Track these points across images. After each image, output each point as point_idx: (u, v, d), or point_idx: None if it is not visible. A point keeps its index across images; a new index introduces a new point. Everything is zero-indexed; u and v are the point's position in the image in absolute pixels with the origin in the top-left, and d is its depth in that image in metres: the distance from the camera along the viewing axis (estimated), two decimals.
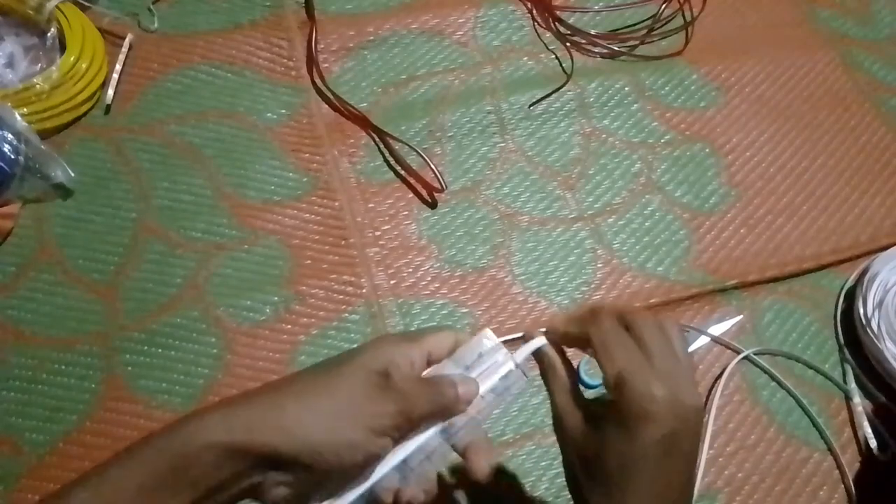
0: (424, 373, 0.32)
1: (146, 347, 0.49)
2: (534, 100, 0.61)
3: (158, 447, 0.27)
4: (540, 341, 0.34)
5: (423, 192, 0.56)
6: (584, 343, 0.32)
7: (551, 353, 0.34)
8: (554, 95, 0.61)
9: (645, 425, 0.28)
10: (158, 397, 0.47)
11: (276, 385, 0.29)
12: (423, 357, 0.31)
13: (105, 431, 0.46)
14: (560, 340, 0.34)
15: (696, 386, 0.30)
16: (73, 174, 0.52)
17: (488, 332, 0.33)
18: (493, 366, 0.32)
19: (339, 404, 0.28)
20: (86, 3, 0.58)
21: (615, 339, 0.31)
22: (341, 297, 0.52)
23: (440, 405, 0.30)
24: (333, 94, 0.58)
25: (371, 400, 0.28)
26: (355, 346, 0.50)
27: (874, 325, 0.52)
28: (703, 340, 0.53)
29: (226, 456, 0.26)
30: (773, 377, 0.52)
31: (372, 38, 0.61)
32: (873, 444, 0.50)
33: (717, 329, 0.53)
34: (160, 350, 0.49)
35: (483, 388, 0.32)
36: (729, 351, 0.53)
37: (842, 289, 0.56)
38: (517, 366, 0.33)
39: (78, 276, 0.51)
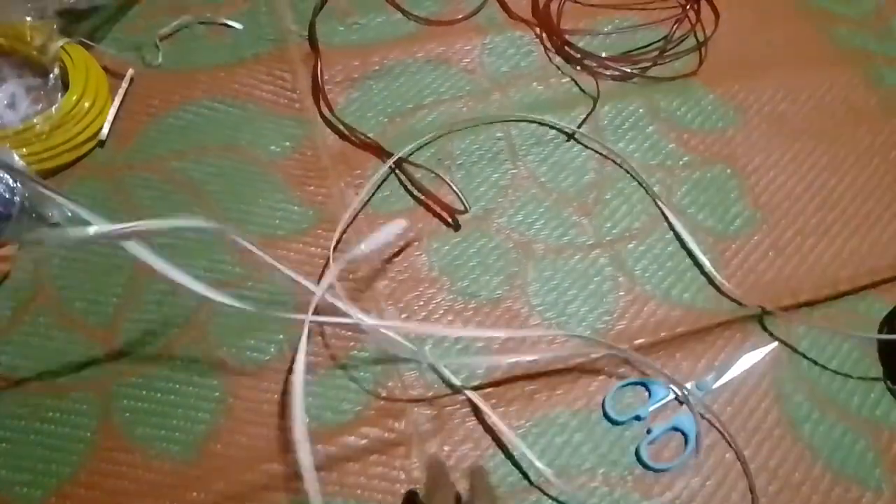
0: None
1: (144, 392, 0.46)
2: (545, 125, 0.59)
3: None
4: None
5: (445, 215, 0.54)
6: None
7: None
8: (566, 120, 0.59)
9: None
10: (157, 445, 0.45)
11: None
12: None
13: (99, 484, 0.43)
14: None
15: None
16: (70, 214, 0.51)
17: None
18: None
19: None
20: (90, 43, 0.58)
21: None
22: (349, 333, 0.49)
23: None
24: (343, 123, 0.57)
25: None
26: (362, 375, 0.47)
27: None
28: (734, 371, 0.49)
29: None
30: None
31: (377, 67, 0.60)
32: None
33: (750, 359, 0.50)
34: (159, 395, 0.46)
35: None
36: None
37: (882, 312, 0.52)
38: None
39: (75, 319, 0.48)
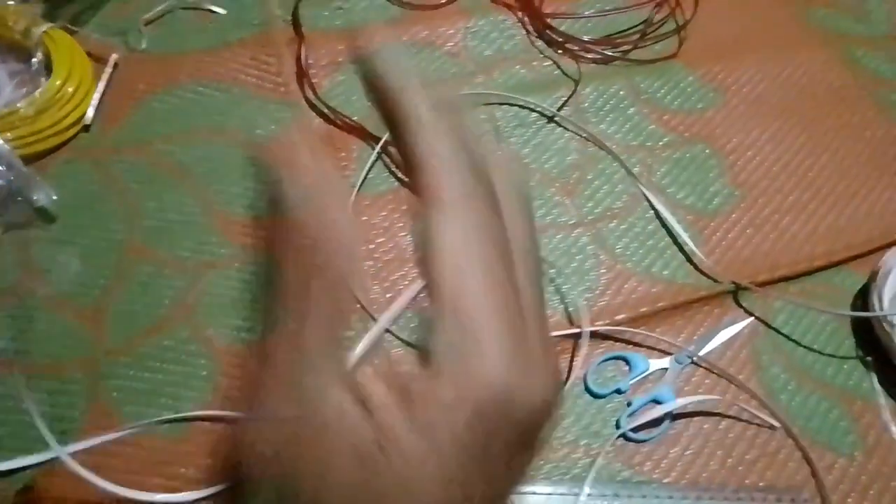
0: None
1: (133, 372, 0.47)
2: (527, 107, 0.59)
3: None
4: None
5: None
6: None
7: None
8: (548, 102, 0.60)
9: None
10: (145, 423, 0.45)
11: None
12: None
13: (88, 461, 0.44)
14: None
15: None
16: (55, 197, 0.51)
17: None
18: None
19: None
20: (73, 28, 0.58)
21: None
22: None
23: None
24: (328, 106, 0.57)
25: None
26: None
27: (891, 320, 0.50)
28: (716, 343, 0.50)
29: None
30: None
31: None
32: None
33: (728, 332, 0.51)
34: (147, 374, 0.47)
35: None
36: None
37: (856, 286, 0.54)
38: None
39: (62, 300, 0.49)
